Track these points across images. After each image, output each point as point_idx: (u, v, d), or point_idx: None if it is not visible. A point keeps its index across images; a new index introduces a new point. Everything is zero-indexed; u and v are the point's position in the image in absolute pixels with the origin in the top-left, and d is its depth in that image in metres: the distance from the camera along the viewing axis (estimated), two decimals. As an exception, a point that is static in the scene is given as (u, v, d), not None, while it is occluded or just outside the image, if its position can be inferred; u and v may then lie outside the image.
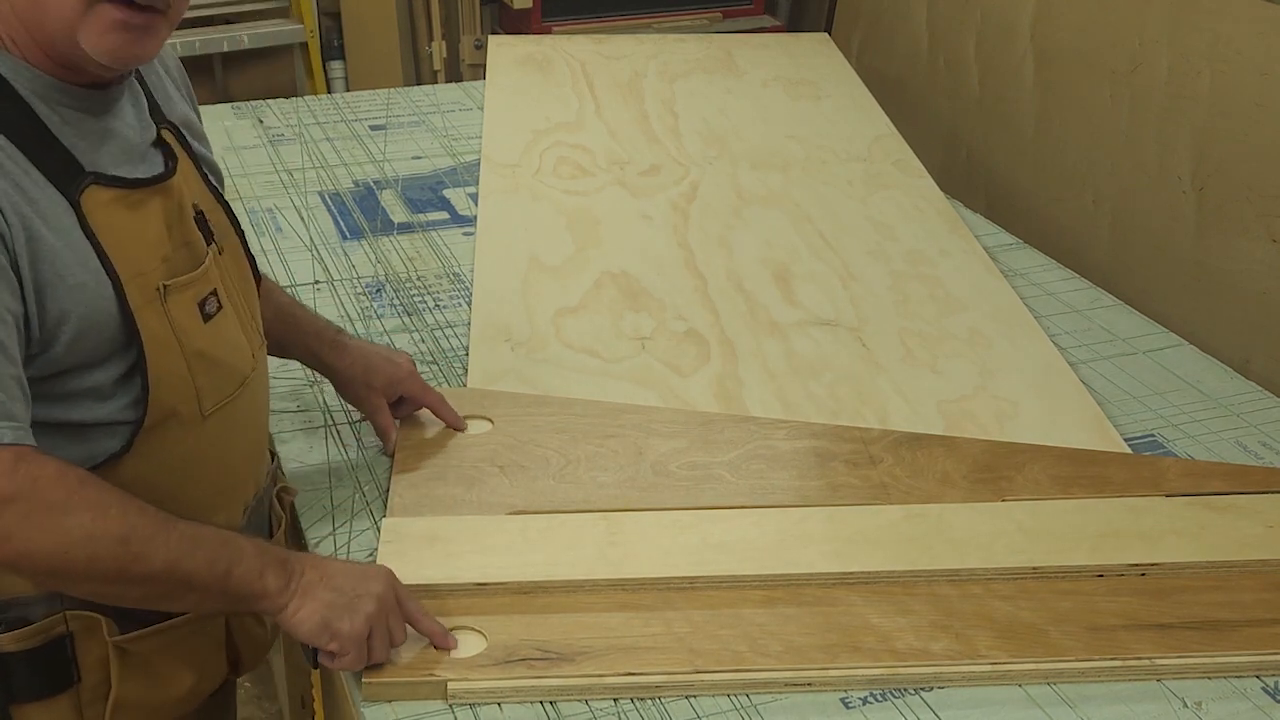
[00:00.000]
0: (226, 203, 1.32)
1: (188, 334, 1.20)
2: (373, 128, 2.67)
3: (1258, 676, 1.26)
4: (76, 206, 1.11)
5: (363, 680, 1.21)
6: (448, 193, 2.36)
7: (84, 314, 1.12)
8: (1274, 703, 1.23)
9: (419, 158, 2.52)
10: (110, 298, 1.13)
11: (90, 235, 1.12)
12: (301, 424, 1.64)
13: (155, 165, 1.22)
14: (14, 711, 1.21)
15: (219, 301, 1.25)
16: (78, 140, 1.13)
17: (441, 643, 1.24)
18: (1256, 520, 1.45)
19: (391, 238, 2.17)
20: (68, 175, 1.11)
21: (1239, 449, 1.64)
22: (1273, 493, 1.51)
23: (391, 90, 2.96)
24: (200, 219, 1.26)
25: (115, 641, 1.21)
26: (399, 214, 2.27)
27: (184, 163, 1.25)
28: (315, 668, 1.36)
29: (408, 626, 1.24)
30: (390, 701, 1.21)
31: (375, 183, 2.39)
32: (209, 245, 1.26)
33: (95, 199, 1.13)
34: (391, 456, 1.54)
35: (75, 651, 1.21)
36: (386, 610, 1.21)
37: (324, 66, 4.07)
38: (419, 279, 2.03)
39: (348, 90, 4.00)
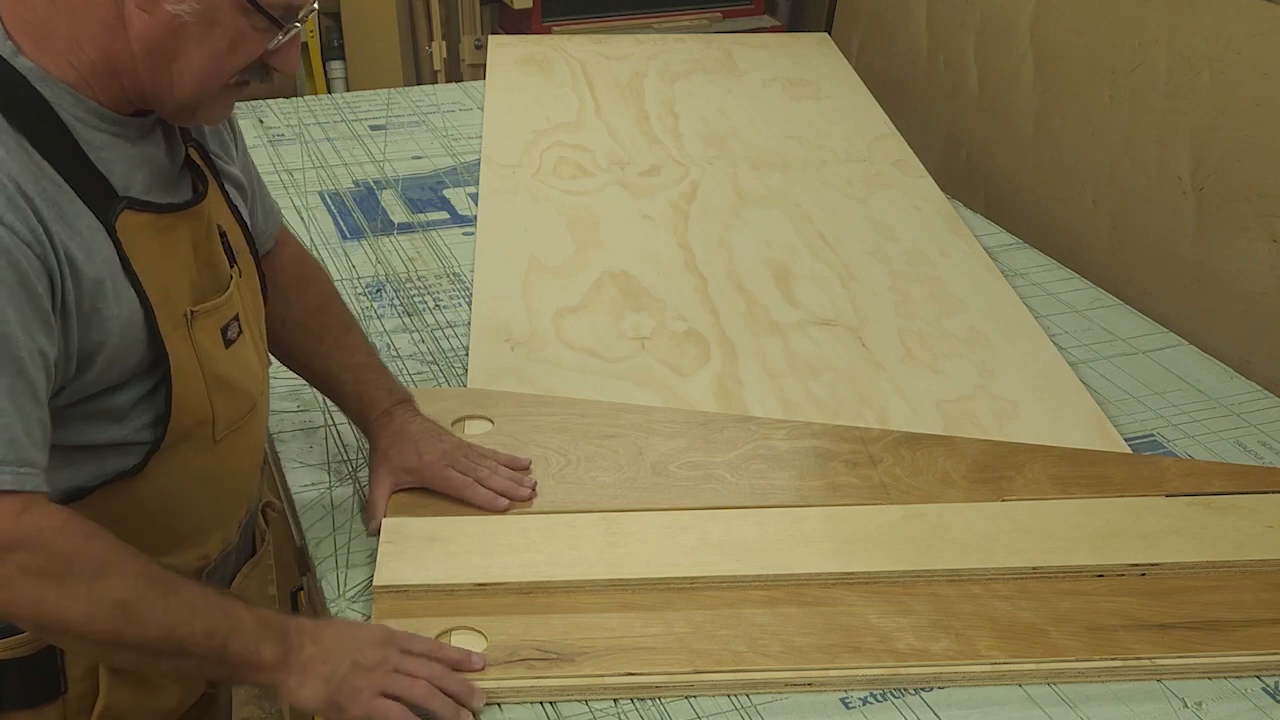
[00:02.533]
0: (244, 221, 1.32)
1: (210, 359, 1.20)
2: (373, 128, 2.67)
3: (1258, 676, 1.26)
4: (112, 232, 1.11)
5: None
6: (448, 193, 2.36)
7: (117, 342, 1.12)
8: (1274, 703, 1.23)
9: (419, 158, 2.52)
10: (141, 324, 1.13)
11: (125, 262, 1.12)
12: (301, 424, 1.64)
13: (185, 190, 1.22)
14: None
15: (239, 326, 1.25)
16: (114, 165, 1.13)
17: (467, 665, 1.21)
18: (1256, 520, 1.45)
19: (391, 238, 2.17)
20: (103, 200, 1.11)
21: (1239, 449, 1.64)
22: (1273, 493, 1.51)
23: (391, 90, 2.96)
24: (223, 239, 1.25)
25: None
26: (399, 214, 2.27)
27: (210, 183, 1.25)
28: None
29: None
30: (390, 702, 1.21)
31: (375, 183, 2.39)
32: (231, 267, 1.26)
33: (128, 223, 1.13)
34: (376, 535, 1.41)
35: (64, 662, 1.21)
36: (392, 662, 1.17)
37: (324, 66, 4.07)
38: (419, 279, 2.03)
39: (348, 90, 4.00)
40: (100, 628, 1.06)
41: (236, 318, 1.25)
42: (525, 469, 1.49)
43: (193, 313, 1.18)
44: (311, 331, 1.48)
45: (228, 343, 1.23)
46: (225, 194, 1.29)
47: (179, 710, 1.31)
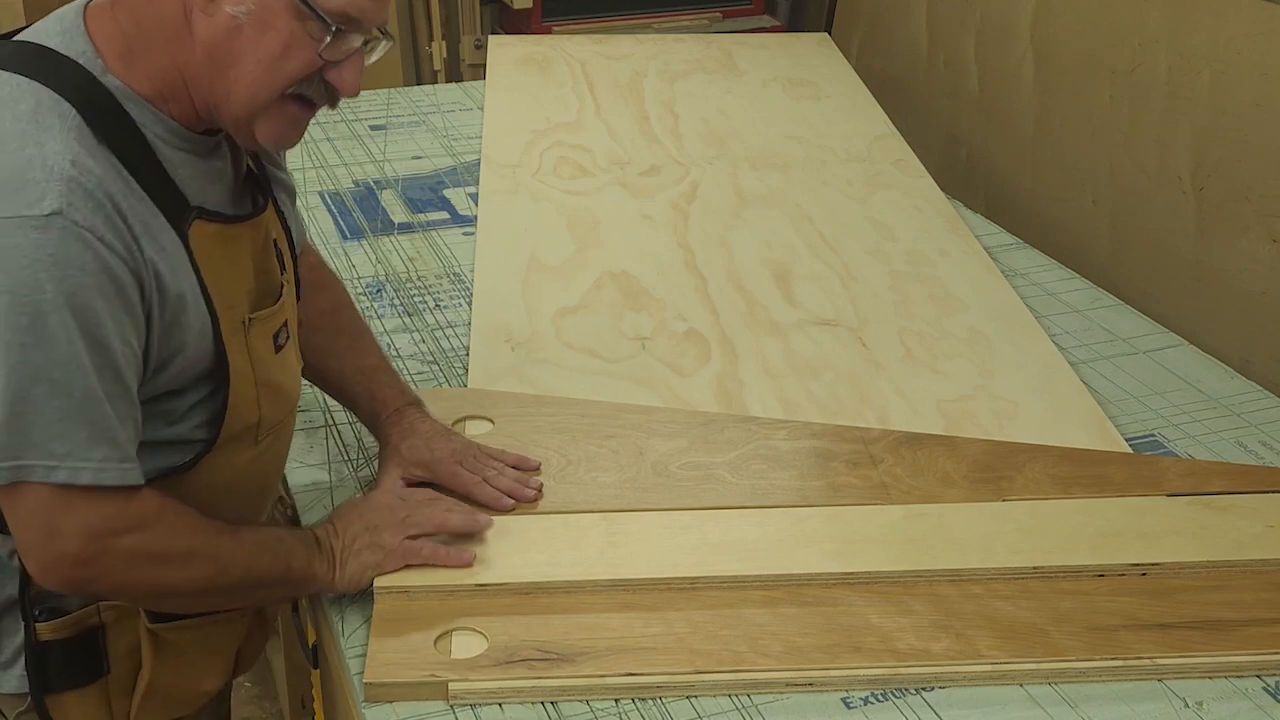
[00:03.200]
0: (289, 226, 1.35)
1: (263, 365, 1.25)
2: (373, 128, 2.67)
3: (1259, 676, 1.26)
4: (185, 241, 1.14)
5: (364, 681, 1.21)
6: (448, 193, 2.36)
7: (191, 351, 1.17)
8: (1275, 702, 1.23)
9: (419, 158, 2.52)
10: (210, 333, 1.18)
11: (196, 271, 1.16)
12: (301, 424, 1.64)
13: (246, 202, 1.26)
14: (48, 701, 1.24)
15: (288, 332, 1.30)
16: (188, 180, 1.16)
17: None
18: (1257, 520, 1.45)
19: (392, 238, 2.17)
20: (178, 211, 1.14)
21: (1239, 449, 1.64)
22: (1273, 492, 1.51)
23: (391, 90, 2.96)
24: (275, 247, 1.29)
25: (151, 629, 1.25)
26: (399, 214, 2.27)
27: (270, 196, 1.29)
28: (315, 668, 1.37)
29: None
30: (391, 702, 1.21)
31: (375, 183, 2.39)
32: (282, 274, 1.30)
33: (198, 233, 1.16)
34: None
35: (106, 642, 1.25)
36: (401, 511, 1.33)
37: (324, 67, 4.06)
38: (419, 279, 2.03)
39: (347, 90, 3.99)
40: (198, 586, 1.19)
41: (285, 324, 1.29)
42: (535, 470, 1.50)
43: (250, 320, 1.22)
44: (326, 333, 1.50)
45: (278, 348, 1.27)
46: (276, 202, 1.32)
47: (217, 689, 1.36)
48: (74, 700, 1.25)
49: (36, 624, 1.21)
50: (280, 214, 1.33)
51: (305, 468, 1.56)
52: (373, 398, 1.50)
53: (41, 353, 1.05)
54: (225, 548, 1.20)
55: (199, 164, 1.18)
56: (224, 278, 1.19)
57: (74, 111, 1.08)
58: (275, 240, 1.30)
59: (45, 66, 1.10)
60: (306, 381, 1.53)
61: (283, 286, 1.29)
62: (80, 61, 1.11)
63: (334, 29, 1.11)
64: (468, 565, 1.32)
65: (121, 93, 1.12)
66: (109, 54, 1.12)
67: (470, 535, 1.35)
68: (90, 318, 1.06)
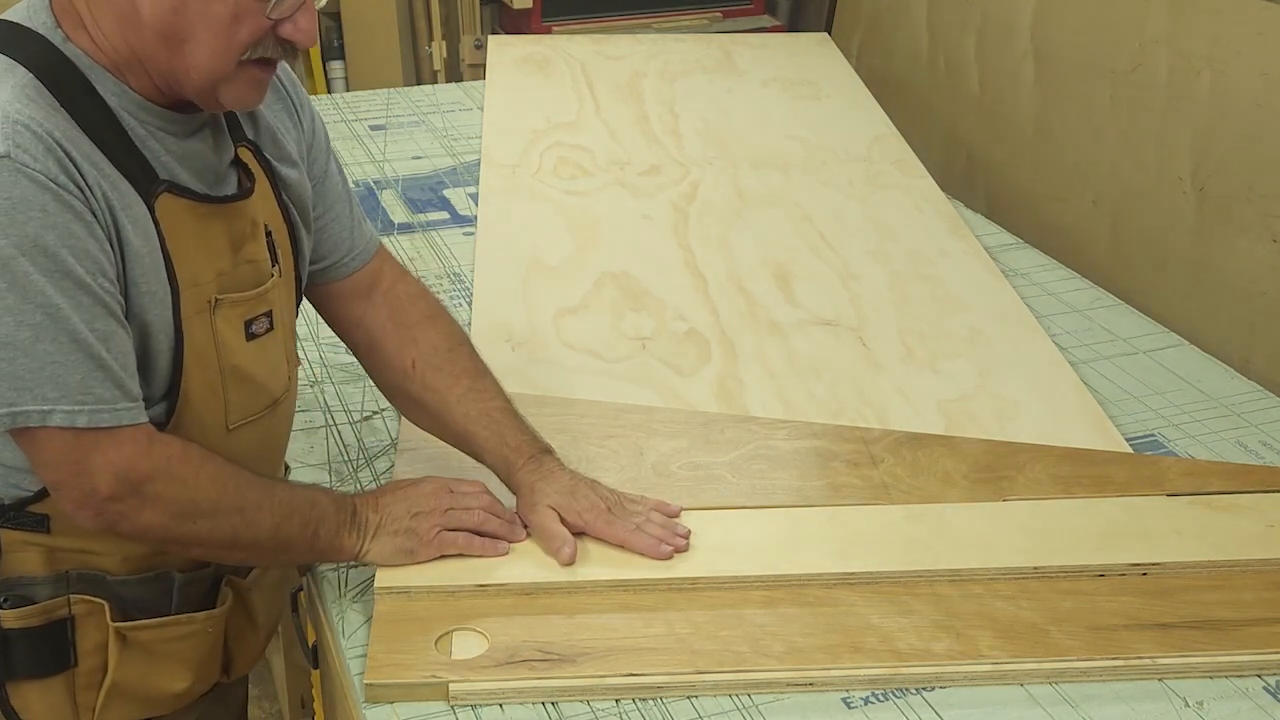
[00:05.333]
0: (294, 223, 1.33)
1: (228, 349, 1.23)
2: (373, 128, 2.67)
3: (1259, 676, 1.26)
4: (151, 211, 1.15)
5: (365, 681, 1.21)
6: (448, 193, 2.36)
7: (148, 320, 1.16)
8: (1276, 702, 1.23)
9: (419, 158, 2.52)
10: (169, 305, 1.17)
11: (161, 241, 1.15)
12: (302, 424, 1.64)
13: (230, 186, 1.25)
14: (9, 688, 1.23)
15: (270, 323, 1.28)
16: (159, 154, 1.17)
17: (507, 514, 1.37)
18: (1257, 519, 1.45)
19: (392, 238, 2.17)
20: (145, 181, 1.15)
21: (1239, 449, 1.64)
22: (1273, 492, 1.51)
23: (391, 90, 2.96)
24: (269, 239, 1.28)
25: (117, 627, 1.24)
26: (399, 214, 2.27)
27: (261, 182, 1.27)
28: (315, 668, 1.37)
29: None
30: (392, 703, 1.21)
31: (375, 183, 2.39)
32: (274, 266, 1.28)
33: (167, 206, 1.16)
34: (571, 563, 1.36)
35: (75, 635, 1.24)
36: (446, 503, 1.32)
37: (324, 66, 4.07)
38: (419, 279, 2.03)
39: (348, 90, 3.99)
40: (223, 536, 1.20)
41: (269, 314, 1.28)
42: (675, 515, 1.41)
43: (218, 300, 1.21)
44: (446, 373, 1.42)
45: (250, 336, 1.26)
46: (278, 194, 1.30)
47: (188, 696, 1.33)
48: (36, 690, 1.24)
49: (2, 610, 1.20)
50: (283, 208, 1.31)
51: (305, 468, 1.56)
52: (503, 443, 1.39)
53: (15, 298, 1.06)
54: (254, 501, 1.21)
55: (171, 142, 1.18)
56: (192, 253, 1.18)
57: (29, 74, 1.09)
58: (271, 232, 1.28)
59: (4, 37, 1.12)
60: (305, 382, 1.53)
61: (271, 278, 1.28)
62: (41, 32, 1.12)
63: None
64: (503, 555, 1.34)
65: (83, 61, 1.12)
66: (69, 26, 1.13)
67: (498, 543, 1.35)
68: (59, 259, 1.06)
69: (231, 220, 1.23)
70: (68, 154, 1.08)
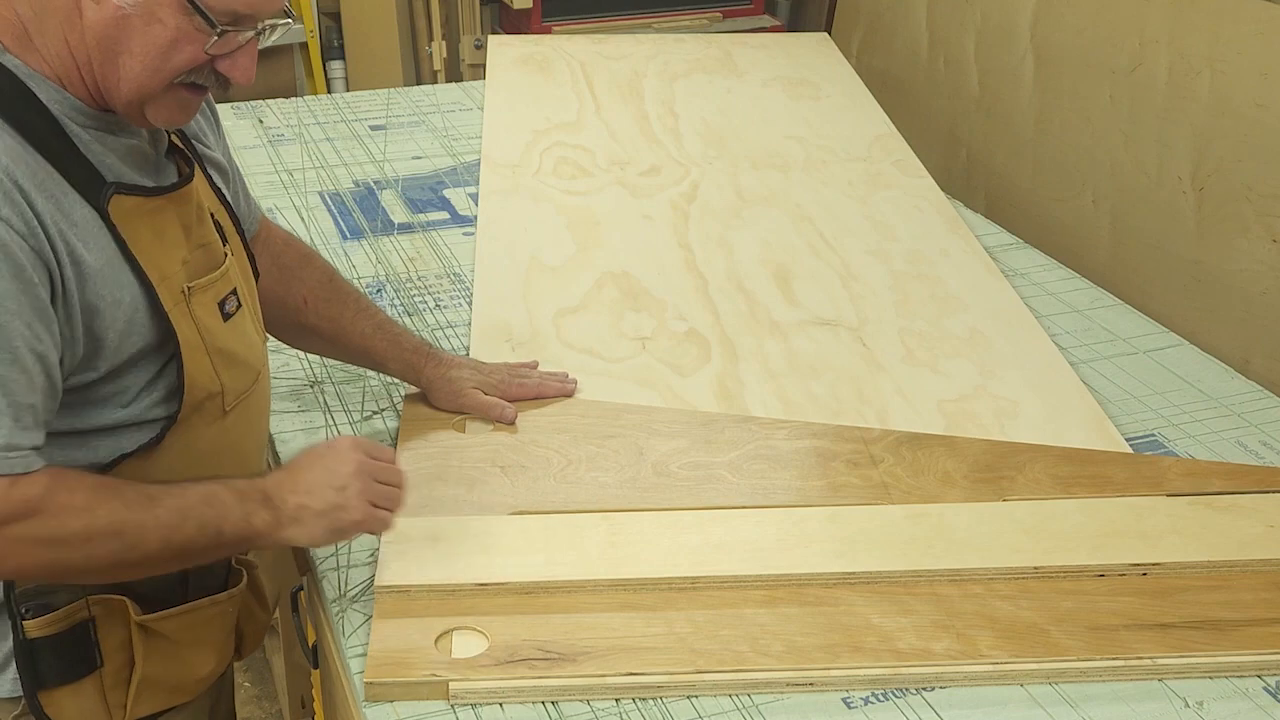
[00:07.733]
0: (229, 203, 1.35)
1: (211, 333, 1.24)
2: (373, 128, 2.67)
3: (1259, 676, 1.27)
4: (105, 216, 1.14)
5: (365, 680, 1.21)
6: (448, 193, 2.36)
7: (122, 327, 1.16)
8: (1275, 702, 1.24)
9: (419, 158, 2.52)
10: (144, 305, 1.17)
11: (121, 245, 1.15)
12: (302, 424, 1.64)
13: (170, 174, 1.25)
14: (41, 698, 1.24)
15: (238, 300, 1.30)
16: (102, 156, 1.16)
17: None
18: (1257, 519, 1.45)
19: (392, 238, 2.17)
20: (94, 187, 1.14)
21: (1239, 448, 1.64)
22: (1273, 492, 1.51)
23: (391, 90, 2.96)
24: (214, 220, 1.29)
25: (139, 621, 1.25)
26: (399, 214, 2.27)
27: (195, 168, 1.28)
28: (315, 668, 1.37)
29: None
30: (392, 702, 1.21)
31: (375, 183, 2.39)
32: (225, 245, 1.30)
33: (120, 207, 1.16)
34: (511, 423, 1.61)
35: (98, 635, 1.25)
36: (367, 471, 1.26)
37: (324, 66, 4.07)
38: (419, 279, 2.03)
39: (348, 90, 3.99)
40: (104, 561, 1.15)
41: (235, 292, 1.29)
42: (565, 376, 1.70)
43: (190, 289, 1.22)
44: (335, 302, 1.55)
45: (225, 316, 1.27)
46: (209, 178, 1.33)
47: (211, 678, 1.35)
48: (68, 695, 1.24)
49: (24, 621, 1.20)
50: (217, 190, 1.33)
51: (306, 467, 1.55)
52: (402, 349, 1.58)
53: None
54: (134, 523, 1.14)
55: (110, 140, 1.17)
56: (154, 249, 1.19)
57: None
58: (213, 214, 1.30)
59: None
60: (305, 382, 1.53)
61: (227, 257, 1.29)
62: None
63: (219, 30, 1.11)
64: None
65: (22, 71, 1.12)
66: (6, 37, 1.12)
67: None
68: None
69: (180, 207, 1.23)
70: (19, 185, 1.07)
